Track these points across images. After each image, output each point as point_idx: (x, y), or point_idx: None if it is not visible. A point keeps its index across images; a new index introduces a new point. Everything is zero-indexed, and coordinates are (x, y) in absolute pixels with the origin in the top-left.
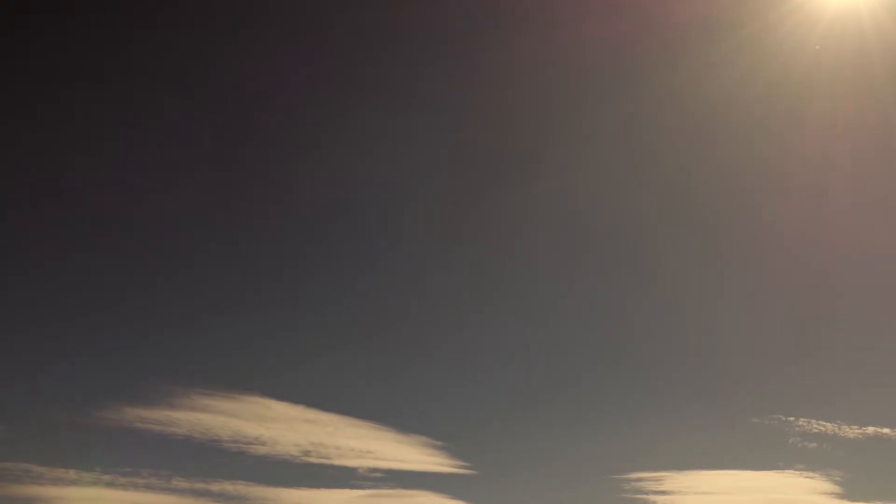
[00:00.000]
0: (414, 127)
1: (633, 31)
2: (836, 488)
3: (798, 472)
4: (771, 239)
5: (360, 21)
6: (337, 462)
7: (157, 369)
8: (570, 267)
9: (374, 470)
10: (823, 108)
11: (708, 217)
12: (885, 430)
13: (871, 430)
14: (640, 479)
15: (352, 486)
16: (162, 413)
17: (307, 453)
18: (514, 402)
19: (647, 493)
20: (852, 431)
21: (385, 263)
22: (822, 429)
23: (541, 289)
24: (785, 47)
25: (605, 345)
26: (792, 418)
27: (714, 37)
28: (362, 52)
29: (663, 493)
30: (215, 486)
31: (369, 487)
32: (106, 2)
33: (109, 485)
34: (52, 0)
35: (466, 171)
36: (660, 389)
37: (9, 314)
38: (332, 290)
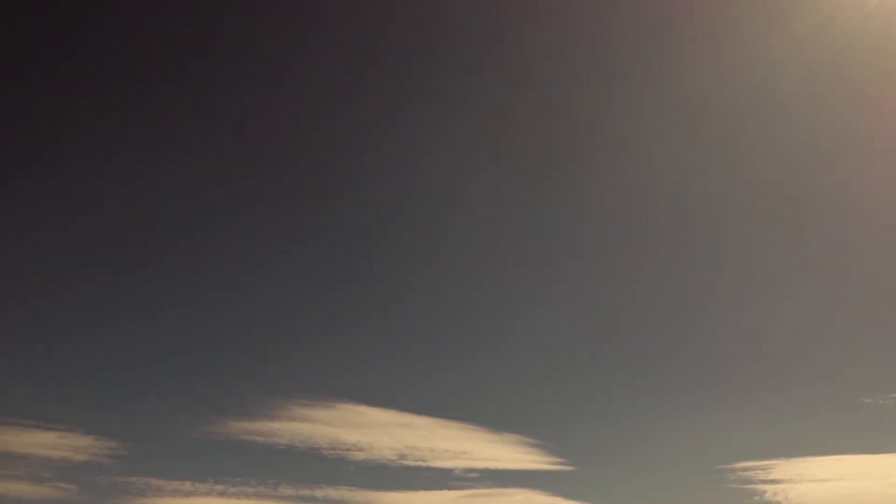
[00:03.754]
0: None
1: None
2: None
3: None
4: (863, 217)
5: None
6: (433, 464)
7: (256, 383)
8: (663, 257)
9: (470, 470)
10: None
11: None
12: None
13: None
14: (747, 469)
15: (449, 487)
16: (264, 425)
17: (403, 456)
18: (609, 395)
19: (755, 483)
20: None
21: (467, 266)
22: None
23: (633, 280)
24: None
25: (703, 332)
26: None
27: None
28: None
29: (773, 482)
30: (319, 493)
31: (467, 488)
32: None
33: (222, 494)
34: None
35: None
36: (763, 374)
37: (128, 343)
38: (417, 296)
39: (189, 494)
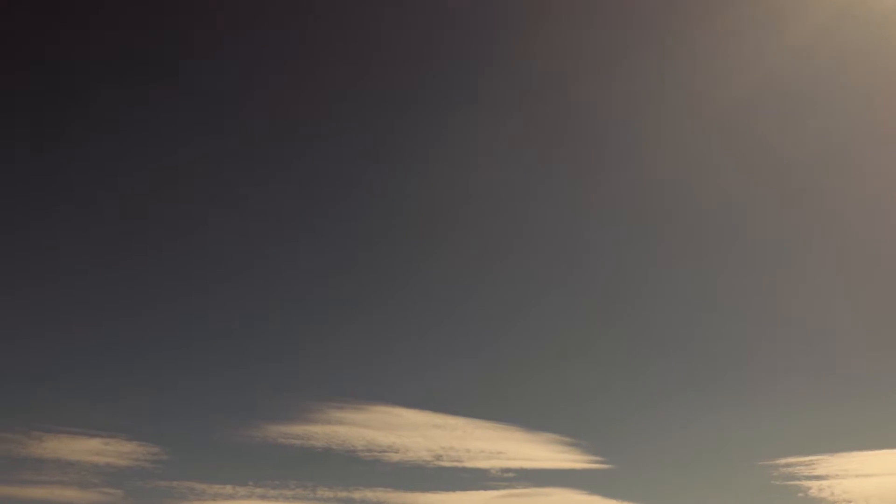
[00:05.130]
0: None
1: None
2: None
3: None
4: None
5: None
6: (469, 464)
7: (292, 387)
8: (698, 254)
9: (507, 470)
10: None
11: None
12: None
13: None
14: (789, 465)
15: (486, 487)
16: (301, 428)
17: (439, 458)
18: (646, 392)
19: (799, 479)
20: None
21: (500, 267)
22: None
23: (672, 277)
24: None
25: (744, 328)
26: None
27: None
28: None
29: (817, 477)
30: (357, 494)
31: (503, 488)
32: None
33: (262, 497)
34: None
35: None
36: (804, 368)
37: (169, 352)
38: (450, 299)
39: (230, 497)
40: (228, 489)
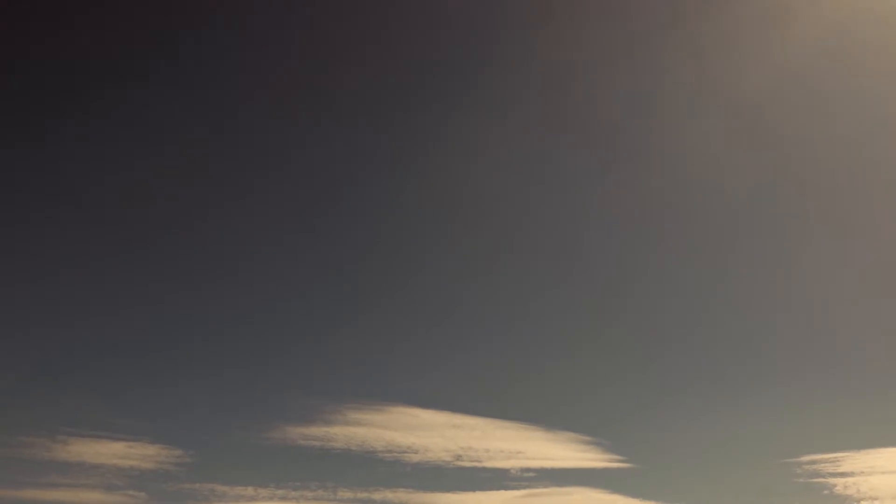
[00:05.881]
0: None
1: None
2: None
3: None
4: None
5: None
6: (488, 464)
7: (311, 389)
8: (724, 252)
9: (527, 470)
10: None
11: None
12: None
13: None
14: (813, 462)
15: (506, 487)
16: (320, 430)
17: (459, 458)
18: (667, 390)
19: (823, 477)
20: None
21: (517, 268)
22: None
23: (692, 274)
24: None
25: (764, 324)
26: None
27: None
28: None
29: (843, 475)
30: (377, 495)
31: (524, 487)
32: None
33: (284, 499)
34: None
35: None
36: (826, 365)
37: (189, 356)
38: (467, 299)
39: (251, 499)
40: (250, 491)
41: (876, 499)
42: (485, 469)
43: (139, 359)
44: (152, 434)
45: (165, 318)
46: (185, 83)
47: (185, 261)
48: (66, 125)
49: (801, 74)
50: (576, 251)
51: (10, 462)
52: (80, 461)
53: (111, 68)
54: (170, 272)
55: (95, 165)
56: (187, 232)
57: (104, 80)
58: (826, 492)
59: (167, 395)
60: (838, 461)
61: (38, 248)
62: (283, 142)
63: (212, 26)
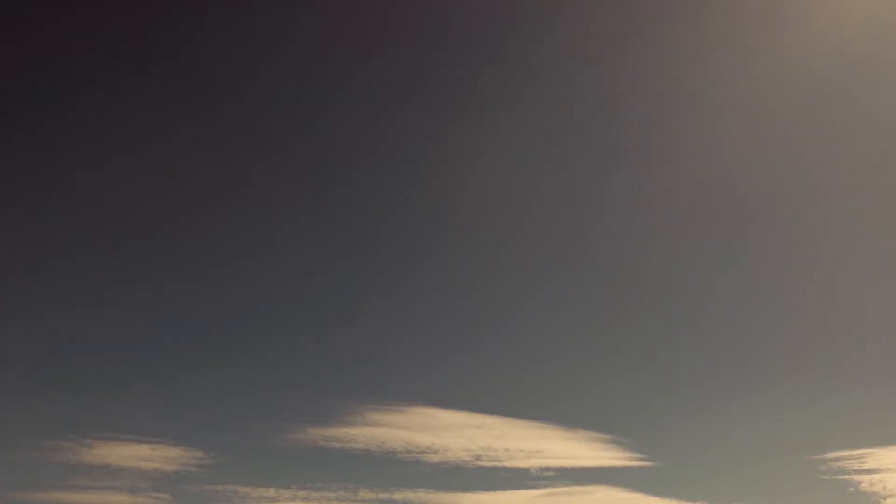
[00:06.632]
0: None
1: None
2: None
3: None
4: None
5: None
6: (508, 464)
7: (331, 390)
8: (748, 253)
9: (546, 469)
10: None
11: None
12: None
13: None
14: (838, 459)
15: (526, 487)
16: (340, 431)
17: (478, 458)
18: (687, 387)
19: (849, 473)
20: None
21: (523, 264)
22: None
23: (715, 271)
24: None
25: (788, 319)
26: None
27: None
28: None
29: (868, 471)
30: (398, 496)
31: (544, 486)
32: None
33: (305, 500)
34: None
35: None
36: (851, 361)
37: (210, 359)
38: (484, 298)
39: (273, 500)
40: (272, 492)
41: None
42: (505, 468)
43: (163, 362)
44: (175, 436)
45: (189, 321)
46: (185, 79)
47: (207, 263)
48: (60, 121)
49: (809, 71)
50: (593, 249)
51: (39, 465)
52: (106, 464)
53: (108, 63)
54: (192, 274)
55: (96, 165)
56: (203, 233)
57: (100, 76)
58: (851, 489)
59: (189, 397)
60: (863, 458)
61: (54, 247)
62: (293, 139)
63: (211, 23)
